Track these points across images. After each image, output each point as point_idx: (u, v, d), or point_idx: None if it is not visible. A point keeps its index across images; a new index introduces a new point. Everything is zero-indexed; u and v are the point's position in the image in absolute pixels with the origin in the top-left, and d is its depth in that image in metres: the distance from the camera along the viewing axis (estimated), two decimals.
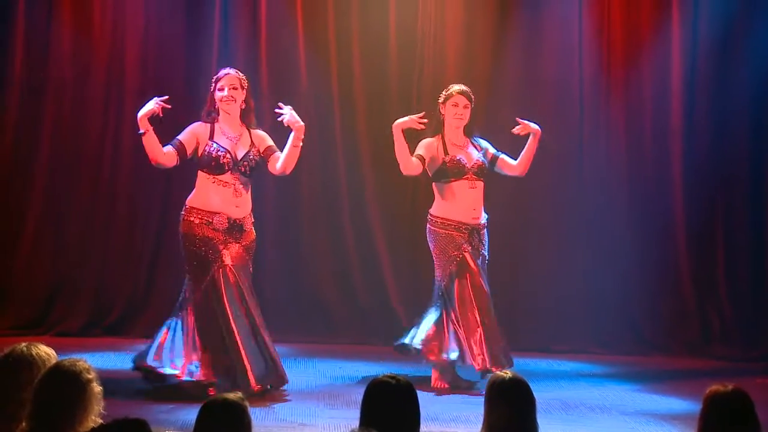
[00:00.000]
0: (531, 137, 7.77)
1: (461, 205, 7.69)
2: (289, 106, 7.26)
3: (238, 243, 7.10)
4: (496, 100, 9.31)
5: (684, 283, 9.50)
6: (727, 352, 9.25)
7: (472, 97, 7.79)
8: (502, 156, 7.87)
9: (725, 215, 9.55)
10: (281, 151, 7.24)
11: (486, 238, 7.77)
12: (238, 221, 7.11)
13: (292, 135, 7.17)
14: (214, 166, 7.10)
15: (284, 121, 7.21)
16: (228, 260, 7.01)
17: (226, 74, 7.22)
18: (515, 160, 7.85)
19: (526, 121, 7.80)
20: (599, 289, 9.40)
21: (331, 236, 9.60)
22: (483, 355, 7.50)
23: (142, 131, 7.06)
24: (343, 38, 9.59)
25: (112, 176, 9.24)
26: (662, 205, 9.55)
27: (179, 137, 7.18)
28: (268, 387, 7.18)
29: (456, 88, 7.80)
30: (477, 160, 7.73)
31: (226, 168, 7.09)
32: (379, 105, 9.59)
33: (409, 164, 7.66)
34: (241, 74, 7.27)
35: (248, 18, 9.51)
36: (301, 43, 9.51)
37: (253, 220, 7.24)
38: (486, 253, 7.76)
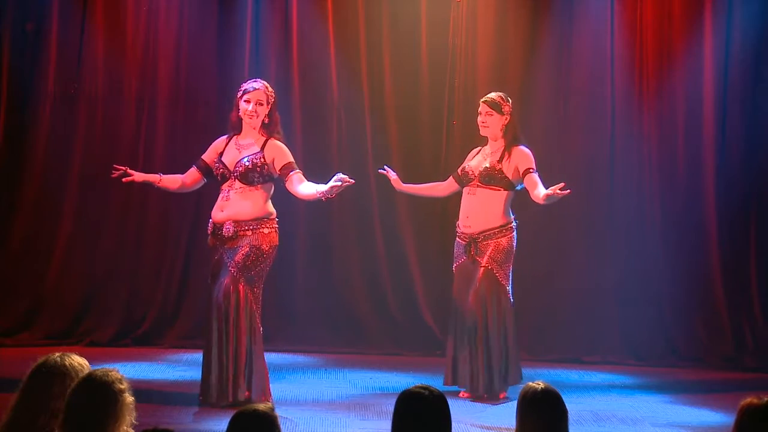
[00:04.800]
0: (558, 191, 7.22)
1: (462, 212, 7.67)
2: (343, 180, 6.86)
3: (224, 246, 7.02)
4: (528, 111, 9.27)
5: (717, 295, 9.43)
6: (760, 364, 9.18)
7: (501, 103, 7.60)
8: (531, 176, 7.43)
9: (758, 227, 9.47)
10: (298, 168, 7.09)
11: (489, 249, 7.44)
12: (218, 224, 7.07)
13: (330, 185, 6.83)
14: (216, 178, 7.19)
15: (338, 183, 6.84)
16: (211, 267, 7.11)
17: (254, 89, 7.12)
18: (545, 186, 7.34)
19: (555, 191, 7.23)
20: (631, 300, 9.36)
21: (362, 247, 9.59)
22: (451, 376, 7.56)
23: (155, 182, 7.26)
24: (374, 49, 9.59)
25: (143, 188, 9.26)
26: (695, 216, 9.49)
27: (203, 155, 7.30)
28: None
29: (485, 97, 7.73)
30: (482, 167, 7.55)
31: (219, 178, 7.15)
32: (410, 116, 9.60)
33: (438, 189, 7.96)
34: (269, 88, 7.19)
35: (280, 29, 9.53)
36: (332, 55, 9.51)
37: (249, 227, 6.99)
38: (489, 266, 7.43)
